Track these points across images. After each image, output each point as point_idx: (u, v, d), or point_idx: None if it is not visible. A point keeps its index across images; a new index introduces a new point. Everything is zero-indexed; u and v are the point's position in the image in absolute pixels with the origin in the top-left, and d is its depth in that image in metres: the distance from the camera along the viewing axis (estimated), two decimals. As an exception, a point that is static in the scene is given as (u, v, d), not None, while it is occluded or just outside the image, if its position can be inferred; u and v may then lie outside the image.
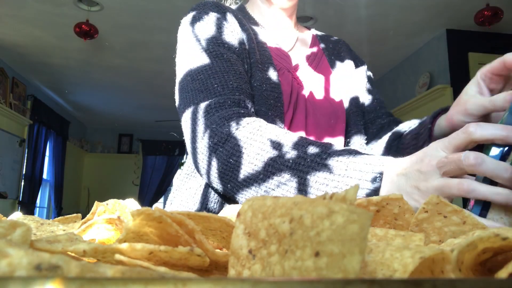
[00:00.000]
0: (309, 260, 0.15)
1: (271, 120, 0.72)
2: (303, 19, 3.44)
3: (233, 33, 0.76)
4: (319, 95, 0.83)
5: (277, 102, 0.73)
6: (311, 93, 0.82)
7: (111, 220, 0.31)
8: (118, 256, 0.18)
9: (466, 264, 0.20)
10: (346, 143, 0.83)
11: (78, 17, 3.36)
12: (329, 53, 0.93)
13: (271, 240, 0.17)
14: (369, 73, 0.97)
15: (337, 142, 0.80)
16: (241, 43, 0.77)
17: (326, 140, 0.79)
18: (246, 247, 0.18)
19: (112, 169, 6.85)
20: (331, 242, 0.15)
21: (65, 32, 3.60)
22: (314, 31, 0.99)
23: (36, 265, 0.13)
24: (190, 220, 0.22)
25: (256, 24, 0.86)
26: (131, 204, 0.37)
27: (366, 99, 0.92)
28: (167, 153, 6.92)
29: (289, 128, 0.76)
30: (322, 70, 0.88)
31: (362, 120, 0.87)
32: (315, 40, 0.95)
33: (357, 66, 0.95)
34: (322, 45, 0.94)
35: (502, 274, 0.17)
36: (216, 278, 0.19)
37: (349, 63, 0.93)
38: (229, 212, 0.47)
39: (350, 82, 0.89)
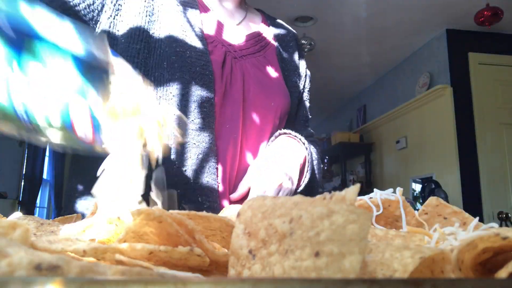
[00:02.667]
0: (309, 260, 0.15)
1: (194, 88, 0.68)
2: (303, 19, 3.44)
3: None
4: (259, 73, 0.80)
5: (204, 70, 0.69)
6: (250, 69, 0.78)
7: (111, 220, 0.31)
8: (118, 256, 0.18)
9: (466, 264, 0.20)
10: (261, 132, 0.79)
11: (78, 17, 3.35)
12: (277, 39, 0.89)
13: (271, 240, 0.17)
14: (309, 82, 0.94)
15: (265, 127, 0.78)
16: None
17: (261, 120, 0.77)
18: (246, 247, 0.18)
19: (112, 169, 6.83)
20: (331, 242, 0.15)
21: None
22: (264, 15, 0.95)
23: (36, 265, 0.13)
24: (190, 220, 0.22)
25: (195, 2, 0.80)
26: (130, 203, 0.37)
27: (298, 110, 0.91)
28: (167, 153, 6.90)
29: (223, 99, 0.72)
30: (266, 51, 0.85)
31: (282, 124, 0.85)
32: (264, 22, 0.91)
33: (301, 68, 0.92)
34: (271, 29, 0.91)
35: (502, 274, 0.17)
36: (216, 278, 0.19)
37: (294, 57, 0.90)
38: (229, 212, 0.47)
39: (290, 82, 0.87)
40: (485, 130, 3.36)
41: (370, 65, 4.38)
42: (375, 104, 4.89)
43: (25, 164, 4.79)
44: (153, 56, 0.69)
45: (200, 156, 0.67)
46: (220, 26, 0.80)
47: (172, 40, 0.70)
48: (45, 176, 5.44)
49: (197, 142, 0.67)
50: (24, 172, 4.77)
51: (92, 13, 0.69)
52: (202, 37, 0.73)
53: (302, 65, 0.93)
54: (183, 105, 0.67)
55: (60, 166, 5.75)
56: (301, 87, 0.91)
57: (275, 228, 0.17)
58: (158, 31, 0.70)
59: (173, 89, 0.67)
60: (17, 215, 0.36)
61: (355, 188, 0.19)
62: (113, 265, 0.17)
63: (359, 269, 0.14)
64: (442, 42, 3.57)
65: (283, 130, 0.77)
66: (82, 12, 0.68)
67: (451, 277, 0.19)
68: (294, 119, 0.90)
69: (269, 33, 0.89)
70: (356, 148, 4.91)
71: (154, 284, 0.12)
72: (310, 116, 0.96)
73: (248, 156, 0.75)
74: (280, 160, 0.70)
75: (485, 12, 3.08)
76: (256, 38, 0.85)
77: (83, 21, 0.68)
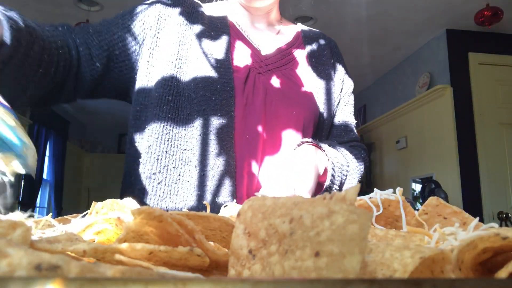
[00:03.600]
0: (309, 260, 0.15)
1: (214, 103, 0.75)
2: (303, 19, 3.44)
3: (145, 13, 0.82)
4: (283, 86, 0.83)
5: (225, 87, 0.76)
6: (273, 82, 0.82)
7: (111, 219, 0.31)
8: (118, 256, 0.18)
9: (466, 264, 0.20)
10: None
11: (78, 17, 3.36)
12: (310, 49, 0.92)
13: (271, 240, 0.17)
14: (349, 86, 0.96)
15: (291, 139, 0.80)
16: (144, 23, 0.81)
17: (283, 131, 0.80)
18: (246, 247, 0.18)
19: (112, 169, 6.85)
20: (331, 242, 0.15)
21: (65, 32, 3.60)
22: (300, 27, 0.98)
23: (36, 265, 0.13)
24: (189, 220, 0.22)
25: (224, 20, 0.87)
26: (130, 203, 0.37)
27: (336, 117, 0.92)
28: (167, 153, 6.91)
29: (244, 111, 0.77)
30: (293, 64, 0.88)
31: (318, 135, 0.87)
32: (298, 37, 0.94)
33: (337, 75, 0.94)
34: (304, 39, 0.93)
35: (502, 274, 0.17)
36: (216, 278, 0.19)
37: (327, 66, 0.92)
38: (229, 212, 0.47)
39: (322, 90, 0.88)
40: (485, 130, 3.36)
41: (370, 65, 4.38)
42: (375, 104, 4.89)
43: (25, 164, 4.79)
44: (183, 80, 0.77)
45: (218, 162, 0.74)
46: (249, 47, 0.85)
47: (198, 64, 0.78)
48: (45, 176, 5.45)
49: (216, 150, 0.74)
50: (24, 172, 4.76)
51: (134, 46, 0.80)
52: (227, 58, 0.80)
53: (339, 71, 0.94)
54: (204, 119, 0.75)
55: (60, 166, 5.76)
56: (338, 93, 0.92)
57: (275, 228, 0.17)
58: (190, 57, 0.79)
59: (196, 106, 0.75)
60: (17, 215, 0.36)
61: (355, 188, 0.19)
62: (113, 265, 0.17)
63: (359, 269, 0.14)
64: (442, 42, 3.57)
65: (304, 139, 0.79)
66: (127, 46, 0.79)
67: (451, 277, 0.19)
68: (332, 126, 0.91)
69: (301, 45, 0.92)
70: (356, 148, 4.90)
71: (154, 284, 0.12)
72: (355, 121, 0.96)
73: (268, 165, 0.78)
74: (294, 167, 0.71)
75: (485, 12, 3.08)
76: (284, 52, 0.88)
77: (127, 54, 0.79)
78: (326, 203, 0.16)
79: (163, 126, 0.74)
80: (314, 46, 0.93)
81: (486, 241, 0.19)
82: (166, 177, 0.73)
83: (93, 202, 0.37)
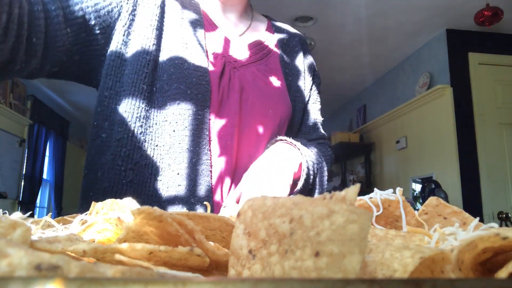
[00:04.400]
0: (309, 260, 0.15)
1: (190, 97, 0.70)
2: (303, 19, 3.44)
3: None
4: (258, 82, 0.81)
5: (201, 81, 0.72)
6: (249, 78, 0.80)
7: (111, 219, 0.31)
8: (118, 256, 0.18)
9: (466, 264, 0.20)
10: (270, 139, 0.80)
11: (78, 17, 3.35)
12: (281, 45, 0.90)
13: (271, 240, 0.17)
14: (318, 83, 0.94)
15: (267, 134, 0.78)
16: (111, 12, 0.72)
17: (259, 128, 0.78)
18: (246, 247, 0.18)
19: (112, 169, 6.84)
20: (331, 242, 0.15)
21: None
22: (271, 22, 0.95)
23: (36, 265, 0.13)
24: (189, 221, 0.22)
25: (197, 9, 0.82)
26: (129, 203, 0.37)
27: (305, 114, 0.91)
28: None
29: (220, 108, 0.74)
30: (268, 59, 0.86)
31: (290, 131, 0.86)
32: (269, 28, 0.92)
33: (308, 70, 0.92)
34: (275, 35, 0.91)
35: (502, 274, 0.17)
36: (216, 278, 0.19)
37: (298, 61, 0.90)
38: (229, 212, 0.47)
39: (295, 85, 0.87)
40: (485, 130, 3.36)
41: (370, 65, 4.38)
42: (375, 104, 4.89)
43: (25, 164, 4.80)
44: (157, 69, 0.72)
45: (194, 160, 0.69)
46: (222, 39, 0.82)
47: (172, 54, 0.73)
48: (45, 176, 5.45)
49: (191, 147, 0.69)
50: (24, 172, 4.77)
51: (110, 19, 0.72)
52: (203, 50, 0.76)
53: (309, 68, 0.92)
54: (178, 113, 0.70)
55: (60, 166, 5.76)
56: (308, 90, 0.91)
57: (275, 228, 0.17)
58: (163, 46, 0.74)
59: (170, 99, 0.70)
60: (17, 215, 0.36)
61: (355, 188, 0.19)
62: (113, 265, 0.17)
63: (359, 269, 0.14)
64: (442, 42, 3.57)
65: (279, 137, 0.77)
66: (102, 18, 0.71)
67: (451, 277, 0.19)
68: (301, 123, 0.89)
69: (272, 40, 0.90)
70: (356, 148, 4.91)
71: (154, 284, 0.12)
72: (322, 118, 0.94)
73: (245, 162, 0.75)
74: (272, 165, 0.70)
75: (485, 12, 3.08)
76: (258, 47, 0.86)
77: (101, 27, 0.71)
78: (326, 203, 0.16)
79: (136, 118, 0.68)
80: (286, 42, 0.91)
81: (486, 241, 0.19)
82: (137, 175, 0.68)
83: (93, 202, 0.37)
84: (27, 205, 4.72)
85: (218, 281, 0.13)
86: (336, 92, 5.24)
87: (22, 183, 4.75)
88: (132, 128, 0.68)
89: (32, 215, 0.44)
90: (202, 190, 0.69)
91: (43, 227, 0.36)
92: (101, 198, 0.66)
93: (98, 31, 0.71)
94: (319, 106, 0.94)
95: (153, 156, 0.69)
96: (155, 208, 0.21)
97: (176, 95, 0.70)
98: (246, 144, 0.76)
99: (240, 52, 0.83)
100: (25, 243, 0.19)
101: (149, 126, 0.69)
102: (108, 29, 0.72)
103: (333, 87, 5.00)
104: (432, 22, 3.46)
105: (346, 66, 4.42)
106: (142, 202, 0.65)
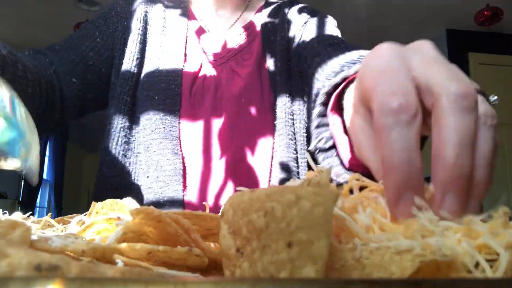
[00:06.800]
0: (283, 253, 0.15)
1: (156, 103, 0.73)
2: (303, 19, 3.43)
3: (111, 16, 0.81)
4: (234, 77, 0.78)
5: (170, 85, 0.74)
6: (226, 75, 0.78)
7: (111, 219, 0.31)
8: (117, 256, 0.18)
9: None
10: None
11: (78, 17, 3.36)
12: (268, 20, 0.84)
13: (252, 237, 0.17)
14: (308, 24, 0.82)
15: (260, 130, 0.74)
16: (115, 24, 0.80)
17: (234, 124, 0.74)
18: (234, 246, 0.18)
19: (112, 169, 6.85)
20: (300, 230, 0.15)
21: (65, 32, 3.59)
22: (264, 12, 0.86)
23: (36, 265, 0.13)
24: (186, 220, 0.22)
25: (184, 11, 0.82)
26: (129, 203, 0.37)
27: (309, 48, 0.76)
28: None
29: (192, 111, 0.74)
30: (251, 46, 0.81)
31: (289, 92, 0.76)
32: (259, 9, 0.87)
33: (297, 17, 0.83)
34: (263, 12, 0.86)
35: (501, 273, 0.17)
36: (216, 278, 0.19)
37: (282, 26, 0.82)
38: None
39: (279, 50, 0.79)
40: (485, 130, 3.36)
41: (370, 65, 4.38)
42: (375, 104, 4.89)
43: (25, 164, 4.78)
44: (140, 79, 0.77)
45: (161, 162, 0.70)
46: (206, 39, 0.81)
47: (150, 63, 0.77)
48: (45, 176, 5.44)
49: (159, 150, 0.71)
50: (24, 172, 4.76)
51: (106, 52, 0.79)
52: (180, 55, 0.77)
53: (296, 22, 0.82)
54: (146, 119, 0.73)
55: (60, 166, 5.75)
56: (298, 30, 0.81)
57: (253, 224, 0.17)
58: (146, 57, 0.78)
59: (141, 107, 0.74)
60: (17, 215, 0.36)
61: (327, 172, 0.19)
62: (113, 265, 0.17)
63: (327, 254, 0.14)
64: (442, 42, 3.57)
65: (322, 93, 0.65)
66: (100, 53, 0.78)
67: (451, 277, 0.19)
68: (312, 64, 0.73)
69: (260, 20, 0.85)
70: (356, 148, 4.90)
71: (154, 284, 0.12)
72: (340, 36, 0.79)
73: (223, 158, 0.73)
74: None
75: (485, 12, 3.08)
76: (240, 36, 0.82)
77: (100, 61, 0.78)
78: (293, 189, 0.16)
79: (121, 128, 0.73)
80: (271, 13, 0.84)
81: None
82: (120, 182, 0.72)
83: (93, 202, 0.37)
84: (27, 205, 4.72)
85: (218, 281, 0.13)
86: (336, 92, 5.24)
87: (22, 183, 4.75)
88: (117, 137, 0.73)
89: (32, 215, 0.44)
90: (170, 191, 0.69)
91: (43, 227, 0.36)
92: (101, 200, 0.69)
93: (99, 67, 0.78)
94: (333, 28, 0.81)
95: (135, 163, 0.73)
96: (153, 208, 0.21)
97: (145, 102, 0.74)
98: (223, 146, 0.74)
99: (223, 48, 0.80)
100: (25, 243, 0.19)
101: (132, 135, 0.74)
102: (108, 60, 0.79)
103: (333, 87, 4.99)
104: (432, 22, 3.46)
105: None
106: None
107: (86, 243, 0.19)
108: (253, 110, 0.76)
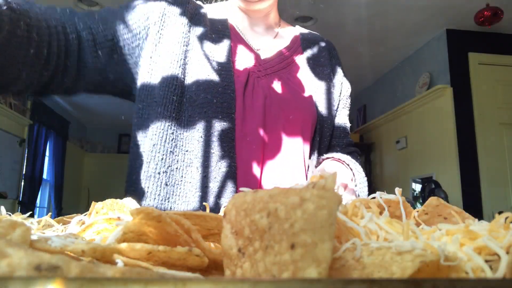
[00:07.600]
0: (286, 254, 0.15)
1: (215, 106, 0.76)
2: (303, 19, 3.44)
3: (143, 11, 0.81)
4: (282, 89, 0.84)
5: (226, 90, 0.78)
6: (272, 86, 0.84)
7: (111, 219, 0.31)
8: (117, 256, 0.18)
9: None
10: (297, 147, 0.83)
11: (78, 17, 3.35)
12: (307, 53, 0.93)
13: (254, 237, 0.17)
14: (347, 89, 0.97)
15: (293, 145, 0.81)
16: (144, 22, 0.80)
17: (282, 133, 0.81)
18: (235, 246, 0.18)
19: (112, 169, 6.84)
20: (304, 232, 0.15)
21: (65, 32, 3.59)
22: (298, 30, 0.99)
23: (36, 265, 0.13)
24: (186, 220, 0.22)
25: (224, 24, 0.88)
26: (130, 203, 0.37)
27: (336, 118, 0.93)
28: (167, 153, 6.90)
29: (244, 115, 0.79)
30: (292, 67, 0.89)
31: (318, 137, 0.87)
32: (297, 40, 0.95)
33: (336, 77, 0.95)
34: (302, 43, 0.94)
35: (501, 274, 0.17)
36: (216, 278, 0.19)
37: (326, 68, 0.93)
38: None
39: (323, 92, 0.89)
40: (485, 130, 3.36)
41: (370, 65, 4.38)
42: (375, 104, 4.89)
43: (25, 164, 4.79)
44: (186, 81, 0.79)
45: (219, 163, 0.75)
46: (248, 51, 0.87)
47: (200, 67, 0.79)
48: (45, 176, 5.45)
49: (217, 152, 0.75)
50: (24, 172, 4.77)
51: (138, 41, 0.80)
52: (228, 62, 0.81)
53: (338, 74, 0.96)
54: (205, 120, 0.76)
55: (60, 166, 5.75)
56: (337, 96, 0.93)
57: (256, 224, 0.17)
58: (192, 59, 0.80)
59: (197, 108, 0.76)
60: (17, 215, 0.36)
61: (333, 176, 0.19)
62: (113, 265, 0.17)
63: (331, 256, 0.14)
64: (442, 42, 3.57)
65: (325, 155, 0.82)
66: (131, 39, 0.79)
67: (451, 277, 0.19)
68: (332, 129, 0.91)
69: (299, 47, 0.93)
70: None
71: (154, 284, 0.12)
72: (350, 124, 0.97)
73: (269, 164, 0.79)
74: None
75: (485, 12, 3.08)
76: (281, 56, 0.89)
77: (130, 48, 0.79)
78: (298, 192, 0.16)
79: (168, 126, 0.75)
80: (312, 49, 0.95)
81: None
82: (169, 178, 0.74)
83: (93, 202, 0.37)
84: (27, 205, 4.72)
85: (218, 281, 0.13)
86: (336, 92, 5.24)
87: (22, 183, 4.75)
88: (165, 135, 0.75)
89: (32, 215, 0.44)
90: (227, 192, 0.74)
91: (43, 227, 0.36)
92: (139, 198, 0.74)
93: (127, 52, 0.79)
94: (348, 112, 0.97)
95: (183, 161, 0.75)
96: (153, 208, 0.21)
97: (203, 104, 0.76)
98: (270, 149, 0.79)
99: (265, 62, 0.87)
100: (25, 243, 0.19)
101: (180, 133, 0.76)
102: (137, 49, 0.80)
103: (333, 87, 4.99)
104: (432, 22, 3.46)
105: (346, 66, 4.40)
106: (174, 203, 0.73)
107: (86, 243, 0.19)
108: (295, 125, 0.82)
